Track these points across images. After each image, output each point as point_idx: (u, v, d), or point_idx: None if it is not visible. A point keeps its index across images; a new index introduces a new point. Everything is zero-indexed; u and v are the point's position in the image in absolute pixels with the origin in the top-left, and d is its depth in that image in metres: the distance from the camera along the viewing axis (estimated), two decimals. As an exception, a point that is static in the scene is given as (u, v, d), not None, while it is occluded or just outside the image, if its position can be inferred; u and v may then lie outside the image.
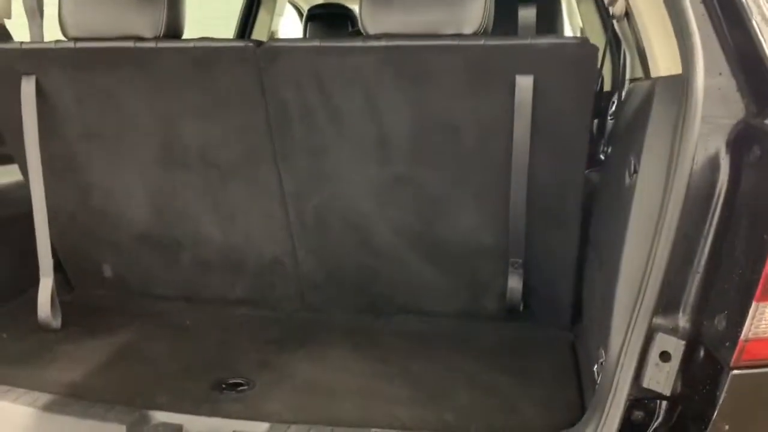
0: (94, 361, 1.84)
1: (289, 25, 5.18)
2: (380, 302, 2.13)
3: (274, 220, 2.04)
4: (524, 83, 1.64)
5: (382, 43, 1.67)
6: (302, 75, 1.76)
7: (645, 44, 1.58)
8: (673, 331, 1.33)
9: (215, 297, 2.22)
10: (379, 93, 1.75)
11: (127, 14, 1.81)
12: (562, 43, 1.65)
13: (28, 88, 1.88)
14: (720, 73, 1.36)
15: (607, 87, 2.79)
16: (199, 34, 1.88)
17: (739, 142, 1.29)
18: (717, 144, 1.31)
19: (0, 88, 1.91)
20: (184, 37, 1.88)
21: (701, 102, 1.25)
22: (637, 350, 1.32)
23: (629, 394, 1.33)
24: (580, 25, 3.86)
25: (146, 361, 1.86)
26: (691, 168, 1.25)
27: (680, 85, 1.31)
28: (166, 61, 1.81)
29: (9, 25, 2.15)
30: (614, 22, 2.62)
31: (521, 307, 1.96)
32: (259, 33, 4.48)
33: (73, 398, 1.65)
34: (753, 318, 1.18)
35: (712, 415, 1.25)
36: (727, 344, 1.22)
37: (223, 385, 1.72)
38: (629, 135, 1.55)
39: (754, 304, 1.17)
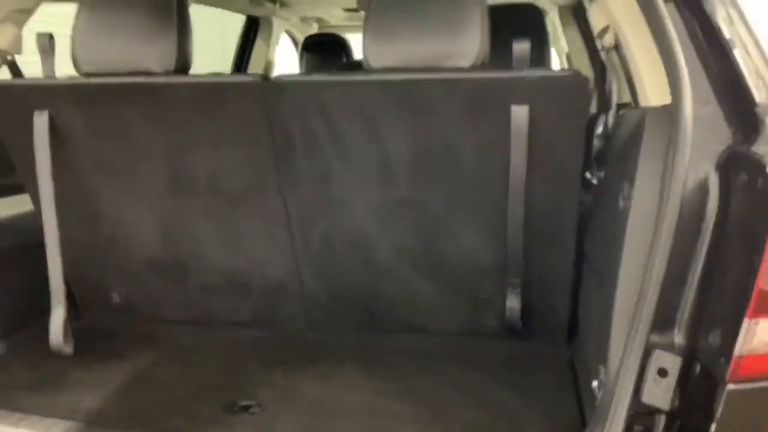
0: (108, 387, 1.88)
1: (284, 53, 5.28)
2: (383, 321, 2.19)
3: (280, 244, 2.10)
4: (520, 113, 1.72)
5: (384, 76, 1.75)
6: (308, 107, 1.83)
7: (634, 74, 1.66)
8: (670, 347, 1.39)
9: (222, 319, 2.27)
10: (382, 123, 1.82)
11: (139, 50, 1.88)
12: (555, 76, 1.73)
13: (41, 122, 1.94)
14: (707, 103, 1.44)
15: (592, 109, 2.89)
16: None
17: (727, 167, 1.37)
18: (706, 169, 1.38)
19: (13, 122, 1.97)
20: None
21: (690, 130, 1.32)
22: (635, 367, 1.38)
23: (629, 409, 1.39)
24: (566, 50, 3.99)
25: (158, 385, 1.90)
26: (683, 192, 1.33)
27: (669, 114, 1.39)
28: (177, 95, 1.88)
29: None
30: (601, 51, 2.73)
31: (520, 325, 2.03)
32: (256, 61, 4.57)
33: (88, 424, 1.69)
34: (746, 334, 1.24)
35: (710, 428, 1.31)
36: (722, 360, 1.28)
37: (235, 407, 1.77)
38: (622, 161, 1.63)
39: (746, 320, 1.23)
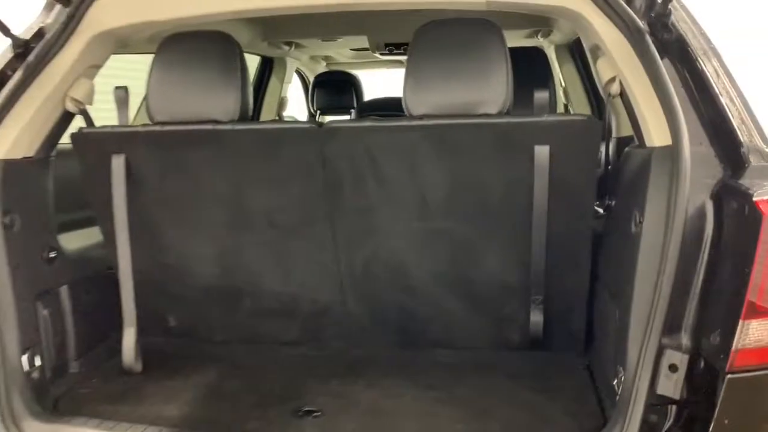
0: (183, 398, 2.13)
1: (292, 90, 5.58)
2: (417, 338, 2.45)
3: (327, 271, 2.36)
4: (541, 152, 2.01)
5: (423, 122, 2.04)
6: (356, 149, 2.11)
7: (639, 118, 1.95)
8: (678, 347, 1.67)
9: (272, 340, 2.52)
10: (420, 162, 2.10)
11: (206, 102, 2.16)
12: (572, 120, 2.03)
13: (118, 164, 2.21)
14: (701, 144, 1.75)
15: None
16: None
17: (720, 197, 1.66)
18: (703, 199, 1.68)
19: (94, 165, 2.24)
20: None
21: (689, 167, 1.62)
22: (650, 364, 1.65)
23: (646, 401, 1.66)
24: (563, 85, 4.31)
25: (227, 396, 2.15)
26: (685, 219, 1.62)
27: (671, 153, 1.69)
28: (240, 141, 2.16)
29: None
30: (601, 91, 3.05)
31: (542, 337, 2.30)
32: (270, 98, 4.86)
33: (173, 428, 1.93)
34: (741, 333, 1.53)
35: (714, 412, 1.58)
36: (722, 356, 1.57)
37: (300, 413, 2.02)
38: (632, 192, 1.92)
39: (741, 322, 1.52)
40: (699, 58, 1.83)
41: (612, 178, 2.47)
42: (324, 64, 5.63)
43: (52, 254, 2.25)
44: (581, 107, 4.00)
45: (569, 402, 2.03)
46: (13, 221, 2.07)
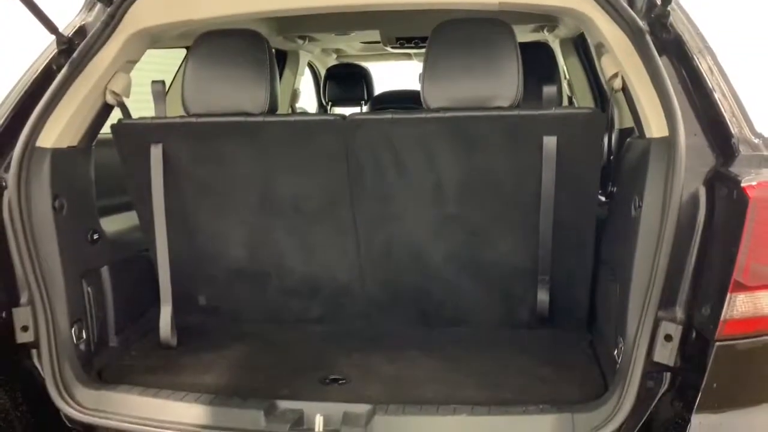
0: (218, 370, 2.31)
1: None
2: (432, 316, 2.63)
3: (347, 253, 2.54)
4: (549, 142, 2.18)
5: (441, 115, 2.20)
6: (377, 139, 2.28)
7: (639, 111, 2.11)
8: (673, 319, 1.85)
9: (295, 318, 2.70)
10: (437, 152, 2.27)
11: (238, 95, 2.33)
12: (578, 113, 2.20)
13: (156, 153, 2.38)
14: (695, 134, 1.92)
15: None
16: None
17: (712, 184, 1.84)
18: (696, 186, 1.85)
19: (133, 153, 2.41)
20: None
21: (684, 156, 1.79)
22: (648, 335, 1.83)
23: (644, 368, 1.84)
24: (567, 77, 4.47)
25: (259, 368, 2.33)
26: (680, 204, 1.79)
27: (668, 144, 1.86)
28: (270, 132, 2.33)
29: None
30: (605, 85, 3.21)
31: (548, 315, 2.48)
32: (284, 89, 5.02)
33: (212, 395, 2.12)
34: (728, 305, 1.70)
35: (704, 377, 1.76)
36: (712, 326, 1.74)
37: (326, 381, 2.20)
38: (632, 179, 2.09)
39: (729, 295, 1.70)
40: (695, 57, 2.00)
41: (614, 167, 2.64)
42: (334, 56, 5.79)
43: (95, 236, 2.43)
44: (584, 99, 4.16)
45: (573, 372, 2.20)
46: (61, 205, 2.24)
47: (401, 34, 4.17)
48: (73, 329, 2.24)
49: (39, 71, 2.33)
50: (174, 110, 2.65)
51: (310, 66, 5.71)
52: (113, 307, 2.51)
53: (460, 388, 2.11)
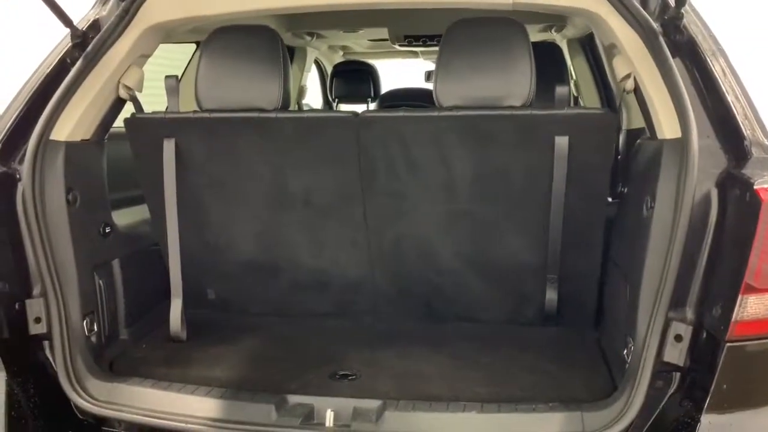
0: (228, 363, 2.32)
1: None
2: (441, 312, 2.64)
3: (358, 248, 2.55)
4: (561, 142, 2.19)
5: (453, 113, 2.21)
6: (389, 137, 2.29)
7: (651, 112, 2.12)
8: (683, 320, 1.86)
9: (304, 312, 2.72)
10: (448, 150, 2.28)
11: (251, 91, 2.34)
12: (590, 113, 2.21)
13: (169, 148, 2.39)
14: (708, 136, 1.93)
15: None
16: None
17: (724, 185, 1.85)
18: (708, 187, 1.86)
19: (147, 147, 2.42)
20: None
21: (697, 158, 1.80)
22: (658, 335, 1.85)
23: (654, 367, 1.86)
24: (574, 77, 4.48)
25: (269, 362, 2.34)
26: (692, 204, 1.80)
27: (681, 145, 1.87)
28: (282, 128, 2.34)
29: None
30: (614, 86, 3.22)
31: (556, 313, 2.49)
32: (292, 86, 5.02)
33: (222, 388, 2.13)
34: (740, 306, 1.72)
35: (714, 378, 1.77)
36: (723, 327, 1.75)
37: (337, 375, 2.21)
38: (644, 180, 2.10)
39: (740, 296, 1.71)
40: (708, 59, 2.01)
41: (623, 167, 2.65)
42: (341, 53, 5.80)
43: (108, 229, 2.44)
44: (591, 100, 4.17)
45: (582, 370, 2.22)
46: (74, 198, 2.26)
47: (409, 32, 4.18)
48: (85, 321, 2.26)
49: (53, 65, 2.34)
50: (183, 105, 2.66)
51: (317, 63, 5.72)
52: (124, 300, 2.53)
53: (470, 385, 2.12)
